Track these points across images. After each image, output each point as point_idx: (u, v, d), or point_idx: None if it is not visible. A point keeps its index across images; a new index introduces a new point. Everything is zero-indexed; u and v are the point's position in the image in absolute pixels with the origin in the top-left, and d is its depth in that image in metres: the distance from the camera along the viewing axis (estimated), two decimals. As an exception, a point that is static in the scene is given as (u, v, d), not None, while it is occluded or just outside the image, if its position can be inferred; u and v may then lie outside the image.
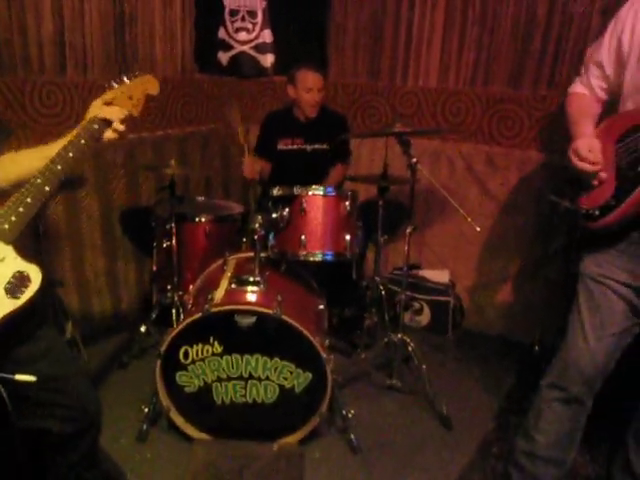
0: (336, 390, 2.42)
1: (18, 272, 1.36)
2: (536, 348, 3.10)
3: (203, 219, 2.94)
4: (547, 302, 3.12)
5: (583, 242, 1.92)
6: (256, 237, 2.34)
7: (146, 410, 2.44)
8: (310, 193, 2.44)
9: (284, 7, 3.65)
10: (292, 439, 2.37)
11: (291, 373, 2.31)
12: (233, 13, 3.60)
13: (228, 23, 3.60)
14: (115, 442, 2.36)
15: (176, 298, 2.81)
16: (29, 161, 1.53)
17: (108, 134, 1.60)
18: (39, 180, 1.41)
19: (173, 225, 2.77)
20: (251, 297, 2.35)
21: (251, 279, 2.39)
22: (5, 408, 1.23)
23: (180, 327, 2.26)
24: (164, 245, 2.87)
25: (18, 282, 1.35)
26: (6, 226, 1.36)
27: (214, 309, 2.23)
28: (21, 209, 1.37)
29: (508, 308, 3.35)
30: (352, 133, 3.34)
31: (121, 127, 1.60)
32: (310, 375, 2.31)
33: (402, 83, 3.41)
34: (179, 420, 2.38)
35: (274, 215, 2.44)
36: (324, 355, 2.26)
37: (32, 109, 2.78)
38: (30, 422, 1.51)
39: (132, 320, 3.24)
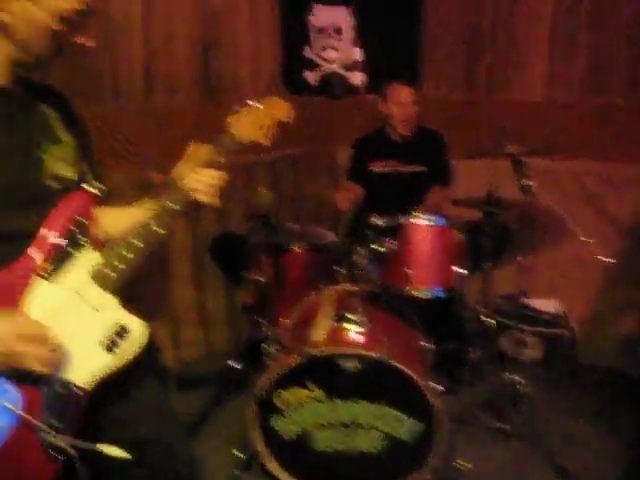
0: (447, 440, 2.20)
1: (118, 325, 1.25)
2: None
3: (297, 248, 2.79)
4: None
5: None
6: (359, 271, 2.17)
7: (242, 457, 2.32)
8: (417, 222, 2.25)
9: (374, 23, 3.51)
10: (401, 493, 2.17)
11: (398, 421, 2.12)
12: (319, 31, 3.48)
13: (314, 42, 3.49)
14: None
15: (269, 332, 2.67)
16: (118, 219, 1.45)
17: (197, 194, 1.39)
18: (147, 220, 1.31)
19: (268, 256, 2.63)
20: (355, 337, 2.17)
21: (354, 318, 2.21)
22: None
23: (278, 369, 2.11)
24: (257, 276, 2.74)
25: (117, 337, 1.24)
26: (111, 273, 1.26)
27: (315, 351, 2.07)
28: (129, 255, 1.27)
29: (627, 340, 3.02)
30: (464, 153, 3.13)
31: (209, 197, 1.40)
32: (420, 423, 2.10)
33: (503, 96, 3.16)
34: (275, 467, 2.23)
35: (376, 246, 2.26)
36: (435, 403, 2.05)
37: (122, 137, 2.75)
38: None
39: (222, 352, 3.15)
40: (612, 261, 2.14)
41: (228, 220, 3.25)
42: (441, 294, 2.30)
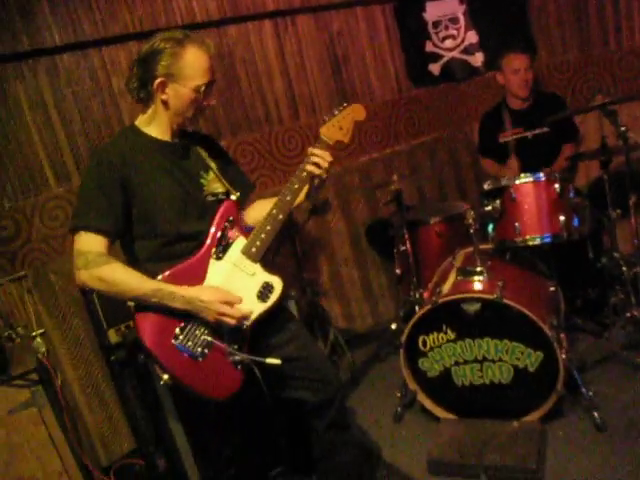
0: (573, 369, 2.47)
1: (265, 283, 1.87)
2: None
3: (432, 221, 3.22)
4: None
5: None
6: (472, 231, 2.55)
7: (399, 395, 2.82)
8: (518, 182, 2.56)
9: (483, 5, 3.77)
10: (532, 417, 2.48)
11: (522, 353, 2.44)
12: (436, 25, 3.85)
13: (433, 35, 3.86)
14: (376, 423, 2.80)
15: (417, 296, 3.13)
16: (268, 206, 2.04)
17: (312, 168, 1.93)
18: (274, 211, 1.89)
19: (405, 232, 3.10)
20: (475, 286, 2.55)
21: (473, 269, 2.60)
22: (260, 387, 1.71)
23: (414, 319, 2.58)
24: (401, 250, 3.23)
25: (266, 291, 1.86)
26: (253, 249, 1.87)
27: (441, 300, 2.50)
28: (263, 235, 1.87)
29: None
30: (561, 113, 3.29)
31: (324, 167, 1.91)
32: (541, 354, 2.41)
33: (617, 47, 3.24)
34: (427, 402, 2.68)
35: (487, 208, 2.61)
36: (550, 333, 2.35)
37: (278, 154, 3.43)
38: (288, 393, 2.01)
39: (388, 320, 3.67)
40: None
41: (378, 207, 3.77)
42: (548, 239, 2.56)
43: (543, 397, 2.46)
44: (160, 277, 1.77)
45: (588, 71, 3.41)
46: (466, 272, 2.62)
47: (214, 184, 1.96)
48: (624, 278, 2.94)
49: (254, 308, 1.83)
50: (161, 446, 2.70)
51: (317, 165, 1.90)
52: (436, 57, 3.90)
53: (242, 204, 2.05)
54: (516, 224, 2.55)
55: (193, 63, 1.76)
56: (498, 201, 2.59)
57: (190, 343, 1.77)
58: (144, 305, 1.75)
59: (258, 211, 2.05)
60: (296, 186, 1.91)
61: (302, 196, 1.95)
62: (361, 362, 3.43)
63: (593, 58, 3.37)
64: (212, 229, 1.87)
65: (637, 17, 3.13)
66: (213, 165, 1.97)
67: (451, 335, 2.55)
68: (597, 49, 3.34)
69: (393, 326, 3.31)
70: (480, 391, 2.57)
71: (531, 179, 2.57)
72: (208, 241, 1.86)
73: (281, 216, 1.89)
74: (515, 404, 2.52)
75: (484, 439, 2.41)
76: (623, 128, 2.43)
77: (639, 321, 2.69)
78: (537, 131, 3.30)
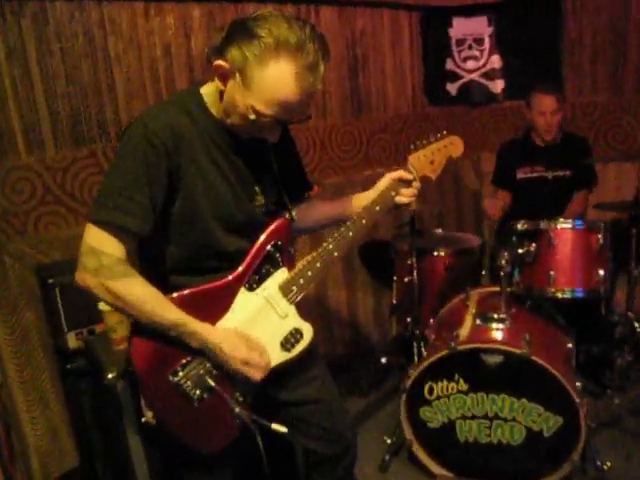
0: (590, 437, 2.25)
1: (295, 329, 1.54)
2: None
3: (442, 252, 2.96)
4: None
5: None
6: (502, 273, 2.30)
7: (389, 441, 2.53)
8: (559, 227, 2.34)
9: (512, 29, 3.56)
10: (542, 486, 2.27)
11: (539, 415, 2.22)
12: (459, 43, 3.62)
13: (455, 53, 3.64)
14: (359, 471, 2.48)
15: (417, 331, 2.86)
16: (324, 209, 1.73)
17: (399, 198, 1.62)
18: (331, 246, 1.54)
19: (414, 259, 2.83)
20: (497, 335, 2.32)
21: (497, 316, 2.36)
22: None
23: (426, 363, 2.30)
24: (405, 278, 2.95)
25: (292, 339, 1.53)
26: (294, 288, 1.53)
27: (460, 346, 2.24)
28: (310, 273, 1.53)
29: None
30: (599, 156, 3.11)
31: (408, 196, 1.62)
32: (561, 419, 2.20)
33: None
34: (421, 454, 2.42)
35: (520, 250, 2.37)
36: (577, 399, 2.13)
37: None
38: (295, 439, 1.73)
39: (371, 348, 3.39)
40: None
41: (377, 227, 3.49)
42: (582, 295, 2.35)
43: (554, 466, 2.25)
44: (175, 295, 1.41)
45: (617, 117, 3.24)
46: (487, 318, 2.38)
47: (268, 192, 1.56)
48: (636, 339, 2.79)
49: (274, 358, 1.51)
50: (110, 469, 2.35)
51: (404, 203, 1.62)
52: (455, 76, 3.67)
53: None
54: (551, 272, 2.32)
55: (271, 84, 1.28)
56: (534, 244, 2.34)
57: (189, 383, 1.44)
58: (147, 328, 1.39)
59: (316, 213, 1.74)
60: (364, 222, 1.58)
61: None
62: (341, 396, 3.10)
63: (624, 104, 3.20)
64: (253, 250, 1.51)
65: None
66: (275, 165, 1.57)
67: (463, 386, 2.30)
68: (630, 95, 3.18)
69: (383, 360, 3.04)
70: (484, 450, 2.33)
71: (570, 225, 2.34)
72: (244, 264, 1.50)
73: (336, 254, 1.55)
74: (522, 469, 2.31)
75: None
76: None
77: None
78: (560, 173, 3.11)
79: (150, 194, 1.34)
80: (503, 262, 2.29)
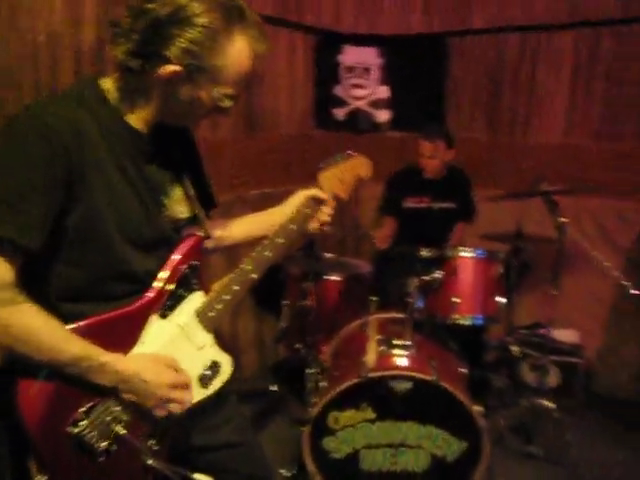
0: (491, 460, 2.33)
1: (213, 362, 1.37)
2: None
3: (336, 277, 2.93)
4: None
5: None
6: (410, 300, 2.32)
7: (287, 474, 2.42)
8: (463, 255, 2.42)
9: (401, 64, 3.71)
10: (442, 511, 2.29)
11: (444, 441, 2.24)
12: (349, 70, 3.69)
13: (344, 80, 3.69)
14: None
15: (310, 357, 2.79)
16: (241, 225, 1.58)
17: (313, 225, 1.57)
18: (249, 267, 1.39)
19: (311, 284, 2.77)
20: (405, 362, 2.31)
21: (402, 343, 2.36)
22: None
23: (334, 392, 2.23)
24: (298, 303, 2.87)
25: (211, 373, 1.36)
26: (211, 314, 1.35)
27: (371, 374, 2.20)
28: (227, 297, 1.36)
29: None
30: (491, 192, 3.29)
31: (327, 218, 1.58)
32: (465, 443, 2.24)
33: (523, 138, 3.38)
34: (321, 485, 2.34)
35: (426, 277, 2.41)
36: (481, 423, 2.19)
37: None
38: None
39: (252, 376, 3.25)
40: (637, 293, 2.30)
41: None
42: (482, 321, 2.46)
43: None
44: (75, 325, 1.16)
45: (493, 155, 3.49)
46: (392, 345, 2.37)
47: (178, 206, 1.37)
48: (514, 363, 2.99)
49: (193, 394, 1.32)
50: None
51: (319, 222, 1.56)
52: (342, 103, 3.72)
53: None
54: (455, 300, 2.38)
55: (234, 64, 1.18)
56: (440, 272, 2.40)
57: (94, 434, 1.18)
58: (34, 369, 1.13)
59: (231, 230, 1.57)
60: (280, 241, 1.46)
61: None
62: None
63: (499, 143, 3.46)
64: (164, 274, 1.30)
65: (545, 116, 3.28)
66: (186, 176, 1.38)
67: (370, 414, 2.25)
68: (504, 137, 3.44)
69: (273, 388, 2.91)
70: (387, 479, 2.30)
71: (473, 254, 2.44)
72: (156, 288, 1.28)
73: (254, 275, 1.39)
74: (425, 496, 2.30)
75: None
76: (563, 219, 2.44)
77: (530, 408, 2.69)
78: (444, 204, 3.26)
79: (46, 203, 1.09)
80: (411, 289, 2.31)
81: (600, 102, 3.11)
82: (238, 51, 1.17)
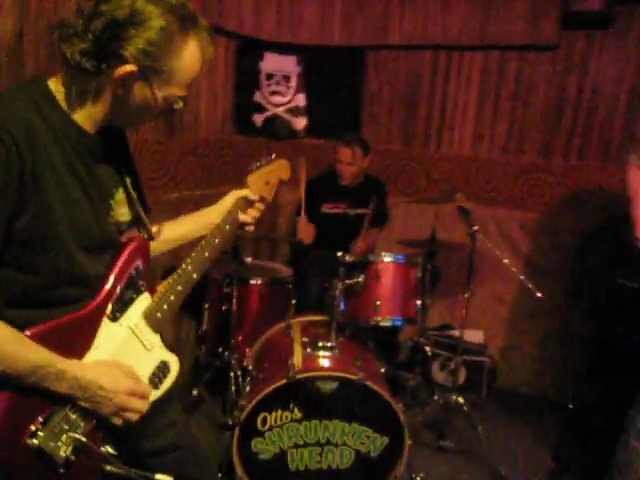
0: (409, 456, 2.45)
1: (162, 362, 1.41)
2: (570, 406, 3.23)
3: (258, 281, 2.96)
4: (579, 361, 3.26)
5: None
6: (335, 303, 2.40)
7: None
8: (385, 260, 2.53)
9: (319, 73, 3.79)
10: (365, 505, 2.39)
11: (368, 437, 2.34)
12: (269, 77, 3.73)
13: (264, 87, 3.72)
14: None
15: (233, 361, 2.80)
16: (181, 227, 1.61)
17: (243, 217, 1.63)
18: (189, 267, 1.44)
19: (234, 287, 2.78)
20: (331, 362, 2.39)
21: (327, 344, 2.43)
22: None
23: (263, 394, 2.26)
24: (219, 307, 2.88)
25: (160, 373, 1.40)
26: (158, 315, 1.38)
27: (299, 375, 2.25)
28: (172, 297, 1.40)
29: (540, 367, 3.48)
30: (405, 199, 3.46)
31: (255, 214, 1.66)
32: (387, 439, 2.34)
33: (436, 150, 3.58)
34: (249, 487, 2.36)
35: (349, 281, 2.49)
36: (403, 419, 2.31)
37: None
38: None
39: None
40: (541, 296, 2.52)
41: (180, 252, 3.33)
42: (401, 323, 2.59)
43: (379, 483, 2.39)
44: (29, 332, 1.14)
45: (407, 165, 3.66)
46: (317, 347, 2.44)
47: (121, 208, 1.38)
48: (427, 362, 3.15)
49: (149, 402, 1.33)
50: None
51: (248, 222, 1.64)
52: (261, 109, 3.75)
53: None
54: (377, 302, 2.48)
55: (187, 66, 1.20)
56: (363, 276, 2.50)
57: (52, 444, 1.16)
58: None
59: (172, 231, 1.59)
60: (217, 241, 1.53)
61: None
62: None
63: (412, 154, 3.64)
64: (112, 276, 1.30)
65: (457, 129, 3.50)
66: (127, 178, 1.38)
67: (297, 414, 2.31)
68: (418, 147, 3.62)
69: (194, 392, 2.89)
70: (314, 477, 2.36)
71: (393, 259, 2.56)
72: (104, 292, 1.28)
73: (195, 276, 1.45)
74: (349, 492, 2.39)
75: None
76: (475, 227, 2.62)
77: (443, 405, 2.85)
78: (360, 211, 3.38)
79: (2, 209, 1.07)
80: (336, 293, 2.39)
81: (506, 119, 3.36)
82: (191, 54, 1.20)
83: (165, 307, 1.39)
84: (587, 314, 3.24)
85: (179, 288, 1.41)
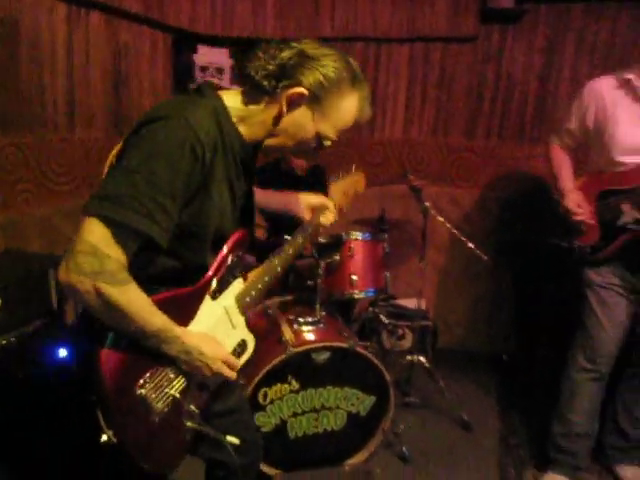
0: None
1: (242, 340, 1.58)
2: (504, 357, 3.69)
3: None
4: (508, 318, 3.73)
5: (585, 265, 2.47)
6: (320, 281, 2.59)
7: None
8: (355, 238, 2.75)
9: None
10: (358, 459, 2.63)
11: (358, 399, 2.58)
12: (203, 70, 3.79)
13: (198, 79, 3.78)
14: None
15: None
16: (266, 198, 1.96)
17: (324, 220, 1.87)
18: (276, 261, 1.64)
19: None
20: (321, 335, 2.58)
21: (312, 319, 2.62)
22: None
23: (264, 370, 2.41)
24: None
25: (240, 349, 1.57)
26: (248, 299, 1.57)
27: (295, 349, 2.43)
28: (259, 286, 1.59)
29: (474, 326, 3.90)
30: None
31: (330, 219, 1.87)
32: (374, 398, 2.60)
33: (369, 135, 3.85)
34: (254, 459, 2.51)
35: (328, 260, 2.67)
36: (388, 378, 2.57)
37: (47, 168, 2.76)
38: (208, 453, 1.69)
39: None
40: (486, 259, 2.88)
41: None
42: (374, 294, 2.83)
43: (370, 437, 2.63)
44: (153, 298, 1.30)
45: (343, 151, 3.89)
46: (303, 322, 2.62)
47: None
48: (380, 331, 3.44)
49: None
50: None
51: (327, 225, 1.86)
52: (198, 101, 3.81)
53: None
54: (354, 277, 2.71)
55: (344, 113, 1.38)
56: (338, 255, 2.71)
57: (154, 396, 1.34)
58: (109, 336, 1.26)
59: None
60: (300, 241, 1.76)
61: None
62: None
63: (347, 140, 3.88)
64: (219, 260, 1.47)
65: (389, 115, 3.79)
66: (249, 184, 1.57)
67: (295, 386, 2.49)
68: (352, 134, 3.87)
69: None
70: (311, 441, 2.57)
71: (362, 237, 2.79)
72: (211, 273, 1.45)
73: (279, 269, 1.66)
74: (345, 448, 2.63)
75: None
76: (427, 204, 2.93)
77: (409, 365, 3.17)
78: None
79: (179, 206, 1.25)
80: (320, 271, 2.58)
81: (433, 105, 3.70)
82: (351, 106, 1.38)
83: (253, 293, 1.57)
84: (514, 275, 3.70)
85: (266, 279, 1.60)
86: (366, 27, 3.59)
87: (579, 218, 2.36)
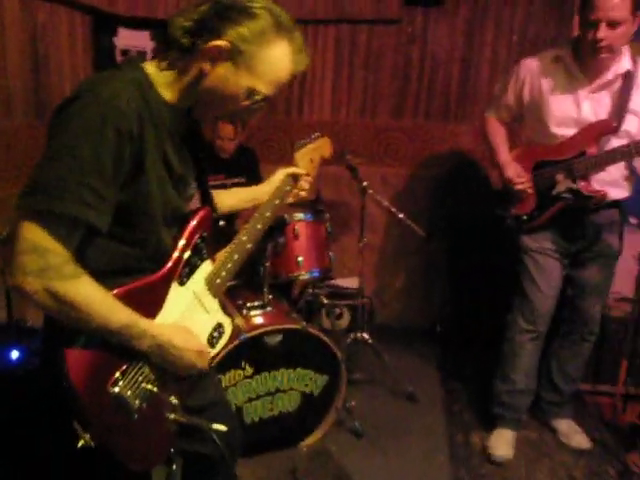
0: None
1: (218, 324, 1.53)
2: (438, 328, 3.85)
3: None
4: (440, 290, 3.88)
5: (521, 233, 2.62)
6: (267, 264, 2.57)
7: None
8: (298, 219, 2.76)
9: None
10: (314, 438, 2.67)
11: (311, 379, 2.62)
12: (124, 53, 3.63)
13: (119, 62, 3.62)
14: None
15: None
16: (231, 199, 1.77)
17: (299, 187, 1.78)
18: (244, 237, 1.57)
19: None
20: (271, 318, 2.57)
21: (260, 303, 2.61)
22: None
23: (218, 358, 2.37)
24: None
25: (216, 333, 1.52)
26: (218, 281, 1.51)
27: (249, 334, 2.41)
28: (229, 265, 1.53)
29: (408, 301, 4.03)
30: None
31: (306, 187, 1.80)
32: (327, 377, 2.64)
33: (298, 117, 3.85)
34: (210, 449, 2.47)
35: (272, 243, 2.65)
36: (340, 357, 2.61)
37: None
38: (189, 446, 1.61)
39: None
40: (422, 233, 2.98)
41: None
42: (319, 274, 2.84)
43: (325, 415, 2.68)
44: (115, 291, 1.24)
45: (273, 134, 3.87)
46: (251, 307, 2.60)
47: (193, 182, 1.48)
48: (320, 311, 3.48)
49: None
50: None
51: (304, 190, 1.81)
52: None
53: None
54: (300, 258, 2.72)
55: (274, 63, 1.25)
56: (283, 237, 2.70)
57: (130, 393, 1.29)
58: (78, 336, 1.21)
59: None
60: (268, 214, 1.65)
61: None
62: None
63: (276, 123, 3.86)
64: (181, 243, 1.40)
65: (317, 99, 3.79)
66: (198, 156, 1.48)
67: (249, 371, 2.49)
68: (281, 116, 3.85)
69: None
70: (267, 424, 2.59)
71: (304, 217, 2.80)
72: (174, 258, 1.38)
73: (249, 246, 1.58)
74: (301, 428, 2.66)
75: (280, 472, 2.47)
76: (365, 183, 2.98)
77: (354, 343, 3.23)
78: (236, 180, 3.52)
79: (114, 187, 1.18)
80: (266, 254, 2.57)
81: (360, 86, 3.74)
82: (280, 55, 1.25)
83: (223, 274, 1.51)
84: (445, 249, 3.85)
85: (236, 257, 1.53)
86: (292, 7, 3.54)
87: (520, 187, 2.48)
